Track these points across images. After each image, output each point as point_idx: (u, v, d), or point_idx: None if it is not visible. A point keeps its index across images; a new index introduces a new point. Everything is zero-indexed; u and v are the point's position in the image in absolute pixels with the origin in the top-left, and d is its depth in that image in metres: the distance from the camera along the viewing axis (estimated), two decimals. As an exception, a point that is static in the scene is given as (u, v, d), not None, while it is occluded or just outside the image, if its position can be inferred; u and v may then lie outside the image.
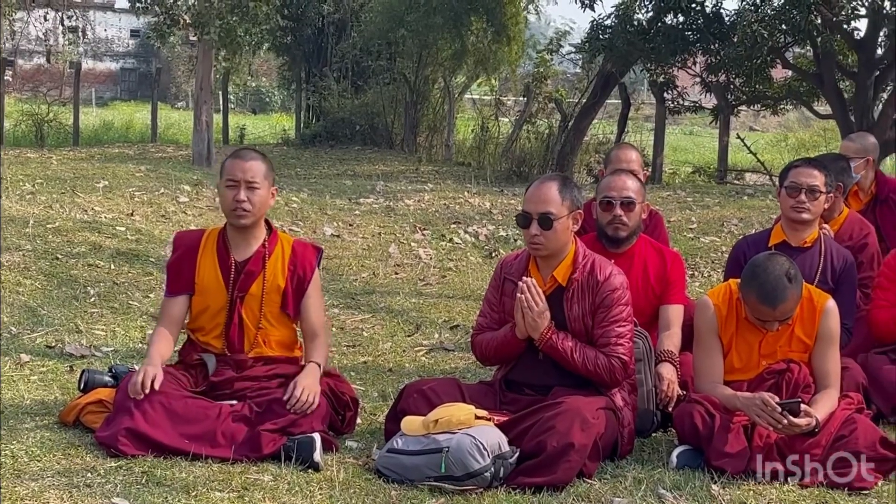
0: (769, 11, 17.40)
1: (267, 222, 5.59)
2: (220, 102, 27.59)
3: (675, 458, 5.15)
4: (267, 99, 44.75)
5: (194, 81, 19.82)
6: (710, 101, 21.27)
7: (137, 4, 18.99)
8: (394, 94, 24.04)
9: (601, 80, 19.96)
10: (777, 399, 5.02)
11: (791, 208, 6.19)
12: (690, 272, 10.01)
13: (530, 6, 23.91)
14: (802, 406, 5.00)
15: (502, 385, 5.43)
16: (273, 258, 5.52)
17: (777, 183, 6.43)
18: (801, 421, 4.96)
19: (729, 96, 20.37)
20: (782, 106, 21.70)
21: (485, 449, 4.78)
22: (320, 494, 4.68)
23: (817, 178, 6.18)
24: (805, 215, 6.16)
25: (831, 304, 5.38)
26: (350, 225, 12.51)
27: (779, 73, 21.32)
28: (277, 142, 25.48)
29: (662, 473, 5.01)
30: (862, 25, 19.20)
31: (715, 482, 4.88)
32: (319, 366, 5.43)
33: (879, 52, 19.48)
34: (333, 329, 7.93)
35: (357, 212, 13.38)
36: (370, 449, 5.27)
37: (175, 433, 5.02)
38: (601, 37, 18.31)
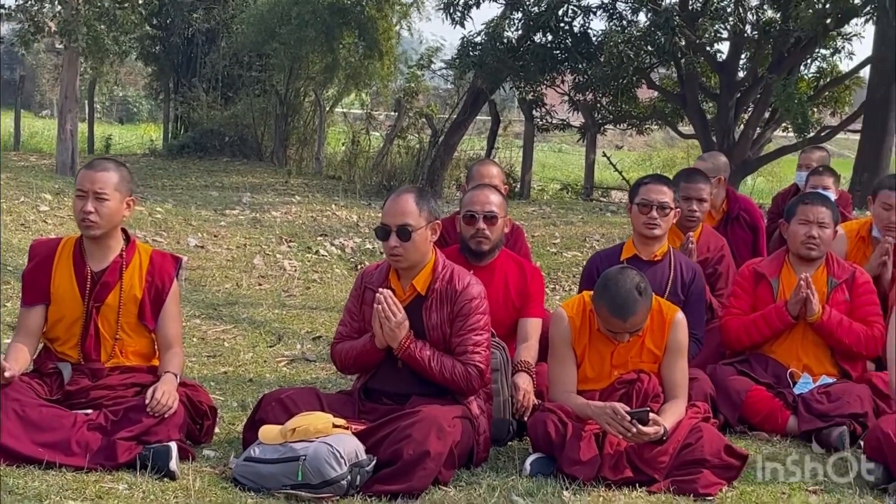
0: (635, 33, 17.77)
1: (125, 232, 5.56)
2: (86, 111, 27.14)
3: (528, 465, 5.25)
4: (135, 109, 44.08)
5: (59, 89, 19.47)
6: (577, 120, 21.58)
7: (0, 10, 18.62)
8: (264, 107, 23.89)
9: (471, 97, 20.14)
10: (627, 408, 5.15)
11: (643, 224, 6.38)
12: (552, 286, 10.19)
13: (402, 22, 24.02)
14: (651, 415, 5.14)
15: (361, 394, 5.47)
16: (130, 269, 5.48)
17: (630, 200, 6.61)
18: (650, 429, 5.10)
19: (596, 115, 20.72)
20: (648, 125, 22.14)
21: (342, 457, 4.83)
22: (175, 503, 4.67)
23: (667, 195, 6.39)
24: (656, 231, 6.36)
25: (680, 316, 5.55)
26: (215, 236, 12.43)
27: (644, 93, 21.72)
28: (144, 152, 25.14)
29: (516, 480, 5.11)
30: (724, 48, 19.72)
31: (566, 489, 4.99)
32: (176, 376, 5.41)
33: (741, 74, 20.00)
34: (194, 340, 7.89)
35: (223, 223, 13.30)
36: (227, 458, 5.27)
37: (29, 441, 4.97)
38: (471, 54, 18.49)
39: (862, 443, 5.60)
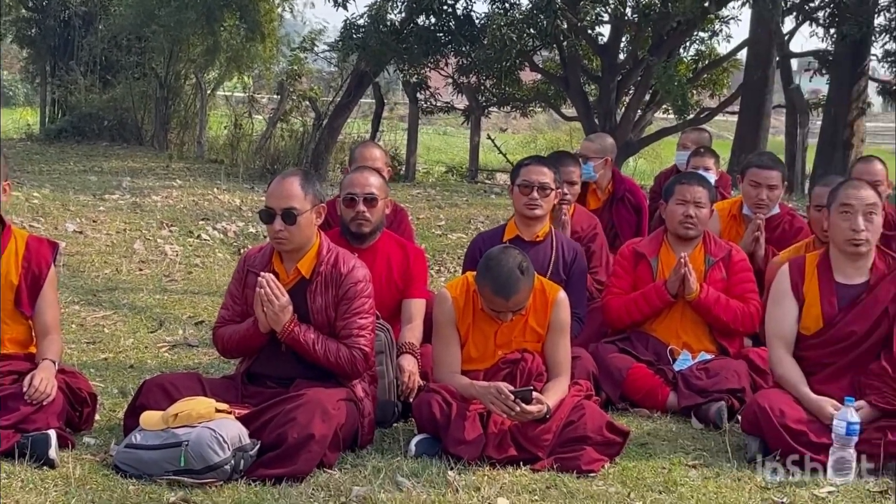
0: (517, 15, 17.85)
1: (0, 218, 5.42)
2: (-40, 95, 26.47)
3: (413, 446, 5.27)
4: (10, 92, 43.09)
5: (-69, 73, 18.96)
6: (461, 102, 21.63)
7: None
8: (144, 90, 23.52)
9: (355, 80, 20.05)
10: (511, 388, 5.19)
11: (524, 205, 6.44)
12: (437, 268, 10.22)
13: (285, 4, 23.84)
14: (534, 394, 5.19)
15: (244, 378, 5.43)
16: (6, 255, 5.35)
17: (511, 182, 6.66)
18: (533, 408, 5.15)
19: (480, 97, 20.77)
20: (531, 108, 22.28)
21: (225, 442, 4.79)
22: (55, 491, 4.59)
23: (547, 176, 6.46)
24: (538, 211, 6.43)
25: (562, 295, 5.60)
26: (94, 221, 12.21)
27: (528, 76, 21.85)
28: (21, 137, 24.58)
29: (401, 462, 5.12)
30: (605, 31, 19.92)
31: (451, 468, 5.02)
32: (54, 363, 5.30)
33: (622, 56, 20.22)
34: (73, 326, 7.75)
35: (102, 208, 13.07)
36: (108, 445, 5.19)
37: None
38: (354, 36, 18.40)
39: (739, 417, 5.71)
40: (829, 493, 4.94)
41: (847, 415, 5.12)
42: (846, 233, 5.47)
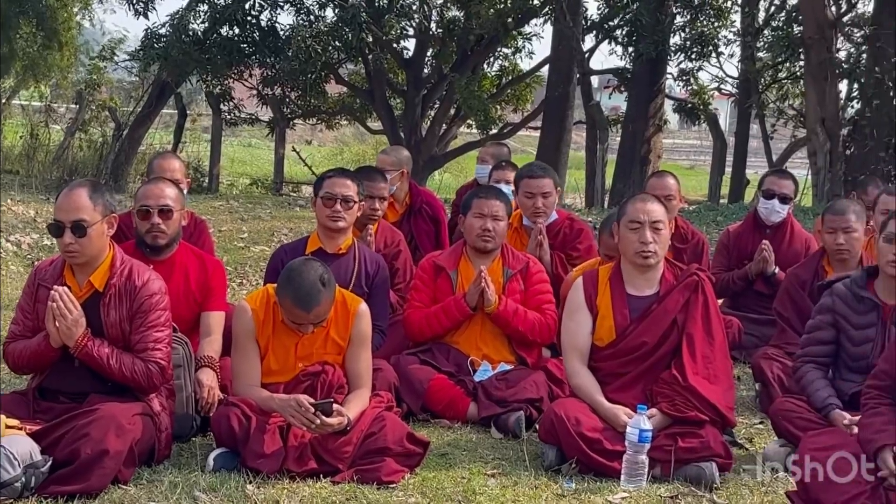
0: (322, 28, 17.87)
1: None
2: None
3: (211, 460, 5.20)
4: None
5: None
6: (266, 114, 21.51)
7: None
8: (-65, 98, 22.74)
9: (156, 90, 19.74)
10: (311, 400, 5.17)
11: (327, 217, 6.43)
12: (239, 281, 10.11)
13: (84, 12, 23.31)
14: (335, 406, 5.18)
15: (36, 394, 5.27)
16: None
17: (314, 194, 6.65)
18: (333, 420, 5.14)
19: (285, 109, 20.70)
20: (337, 120, 22.30)
21: (15, 459, 4.64)
22: None
23: (351, 188, 6.47)
24: (340, 223, 6.43)
25: (363, 307, 5.61)
26: None
27: (334, 88, 21.87)
28: None
29: (198, 476, 5.04)
30: (411, 45, 20.09)
31: (250, 482, 4.97)
32: None
33: (427, 71, 20.42)
34: None
35: None
36: None
37: None
38: (156, 46, 18.16)
39: (537, 426, 5.81)
40: (623, 498, 5.06)
41: (640, 422, 5.26)
42: (635, 245, 5.62)
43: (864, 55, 18.17)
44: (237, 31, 18.97)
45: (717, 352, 5.65)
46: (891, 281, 5.74)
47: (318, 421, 5.11)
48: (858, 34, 18.79)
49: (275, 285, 5.49)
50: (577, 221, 7.75)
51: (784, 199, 7.82)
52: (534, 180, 7.43)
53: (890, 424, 4.98)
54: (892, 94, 17.80)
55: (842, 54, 18.61)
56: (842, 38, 18.81)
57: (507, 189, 7.70)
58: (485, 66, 21.08)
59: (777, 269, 7.62)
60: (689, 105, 22.59)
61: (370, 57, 19.06)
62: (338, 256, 6.45)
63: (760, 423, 6.41)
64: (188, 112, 21.54)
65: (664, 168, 17.08)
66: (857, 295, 5.80)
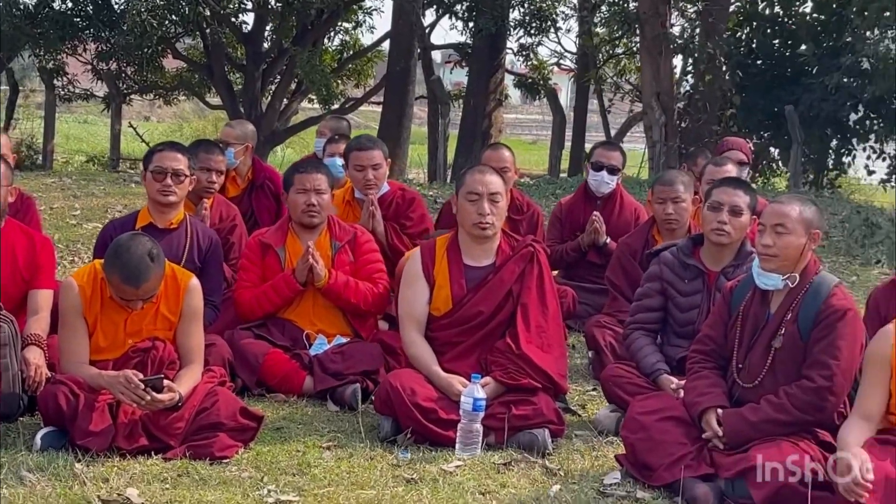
0: (158, 2, 17.54)
1: None
2: None
3: (39, 439, 5.09)
4: None
5: None
6: (102, 90, 21.05)
7: None
8: None
9: (-13, 64, 19.19)
10: (141, 376, 5.09)
11: (157, 192, 6.35)
12: (71, 258, 9.88)
13: None
14: (165, 382, 5.11)
15: None
16: None
17: (144, 167, 6.54)
18: (164, 396, 5.07)
19: (121, 85, 20.29)
20: (175, 96, 21.96)
21: None
22: None
23: (181, 162, 6.39)
24: (171, 198, 6.35)
25: (194, 282, 5.53)
26: None
27: (172, 63, 21.52)
28: None
29: (26, 456, 4.93)
30: (249, 19, 19.87)
31: (79, 461, 4.89)
32: None
33: (266, 45, 20.22)
34: None
35: None
36: None
37: None
38: (-15, 19, 17.61)
39: (373, 398, 5.82)
40: (457, 466, 5.11)
41: (474, 391, 5.31)
42: (473, 217, 5.66)
43: (698, 31, 18.62)
44: (70, 4, 18.53)
45: (550, 321, 5.74)
46: (715, 248, 5.91)
47: (149, 397, 5.03)
48: (692, 10, 19.25)
49: (102, 261, 5.38)
50: (409, 191, 7.76)
51: (612, 171, 7.96)
52: (363, 153, 7.39)
53: (713, 387, 5.14)
54: (724, 68, 18.31)
55: (676, 30, 19.07)
56: (676, 13, 19.24)
57: (340, 162, 7.68)
58: (325, 40, 20.97)
59: (608, 240, 7.75)
60: (530, 80, 22.81)
61: (208, 31, 18.79)
62: (169, 231, 6.35)
63: (593, 389, 6.53)
64: (21, 88, 20.95)
65: (507, 143, 17.20)
66: (683, 262, 5.96)
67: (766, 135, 20.40)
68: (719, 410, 5.01)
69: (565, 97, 29.86)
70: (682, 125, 18.23)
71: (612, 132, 23.51)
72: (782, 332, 5.04)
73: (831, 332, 4.93)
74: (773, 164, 21.08)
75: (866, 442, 4.56)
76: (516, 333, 5.62)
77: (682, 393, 5.32)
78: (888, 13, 17.25)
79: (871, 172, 20.55)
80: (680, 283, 5.94)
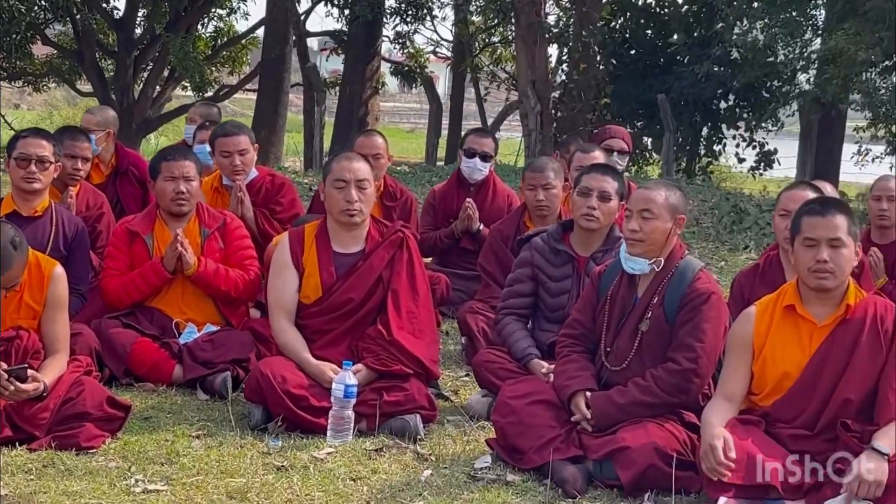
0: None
1: None
2: None
3: None
4: None
5: None
6: (-32, 76, 20.56)
7: None
8: None
9: None
10: (5, 366, 4.98)
11: (21, 179, 6.25)
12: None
13: None
14: (29, 372, 5.00)
15: None
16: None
17: (8, 154, 6.41)
18: (28, 386, 4.96)
19: (-12, 71, 19.84)
20: (45, 83, 21.52)
21: None
22: None
23: (46, 149, 6.34)
24: (36, 185, 6.31)
25: (59, 270, 5.42)
26: None
27: (42, 50, 21.09)
28: None
29: None
30: (121, 5, 19.56)
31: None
32: None
33: (138, 31, 19.92)
34: None
35: None
36: None
37: None
38: None
39: (244, 386, 5.77)
40: (328, 453, 5.10)
41: (345, 378, 5.30)
42: (341, 204, 5.64)
43: (572, 20, 18.81)
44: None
45: (421, 307, 5.76)
46: (584, 234, 5.98)
47: (12, 387, 4.92)
48: (566, -1, 19.46)
49: (-38, 251, 5.24)
50: (279, 176, 7.71)
51: (485, 157, 8.00)
52: (228, 139, 7.31)
53: (582, 371, 5.20)
54: (598, 57, 18.53)
55: (551, 19, 19.24)
56: (551, 2, 19.42)
57: (209, 149, 7.59)
58: (199, 26, 20.73)
59: (482, 226, 7.79)
60: (406, 68, 22.83)
61: (78, 17, 18.44)
62: (33, 219, 6.24)
63: (466, 375, 6.56)
64: None
65: (385, 131, 17.13)
66: (553, 248, 6.02)
67: (639, 123, 20.71)
68: (588, 393, 5.08)
69: (443, 86, 29.96)
70: (558, 114, 18.41)
71: (489, 121, 23.64)
72: (649, 315, 5.13)
73: (696, 316, 5.03)
74: (647, 153, 21.41)
75: (729, 422, 4.67)
76: (387, 320, 5.62)
77: (552, 377, 5.37)
78: (756, 3, 17.65)
79: (741, 160, 21.00)
80: (550, 269, 5.99)
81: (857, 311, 4.71)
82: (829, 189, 6.47)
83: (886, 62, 16.59)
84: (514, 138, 24.53)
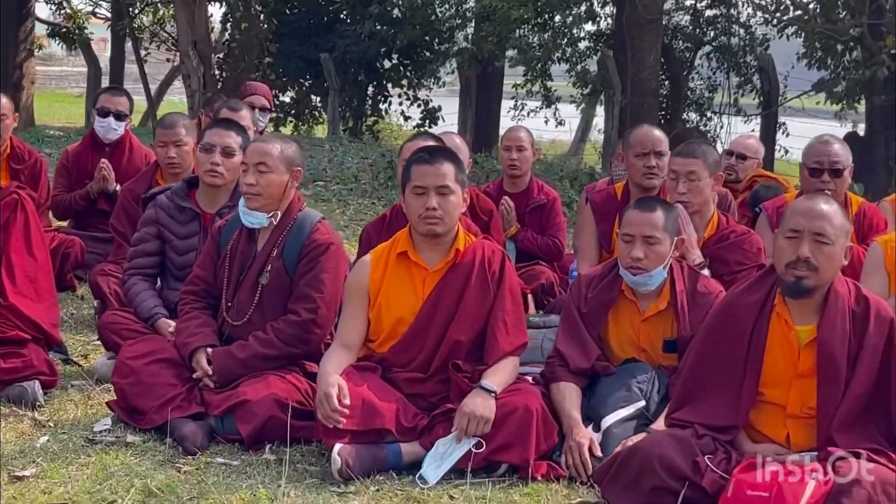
0: None
1: None
2: None
3: None
4: None
5: None
6: None
7: None
8: None
9: None
10: None
11: None
12: None
13: None
14: None
15: None
16: None
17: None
18: None
19: None
20: None
21: None
22: None
23: None
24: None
25: None
26: None
27: None
28: None
29: None
30: None
31: None
32: None
33: None
34: None
35: None
36: None
37: None
38: None
39: None
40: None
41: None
42: None
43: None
44: None
45: (40, 270, 5.57)
46: (210, 190, 5.91)
47: None
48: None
49: None
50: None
51: (119, 116, 7.73)
52: None
53: (203, 327, 5.17)
54: (261, 17, 18.43)
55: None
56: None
57: None
58: None
59: (118, 186, 7.56)
60: (64, 29, 22.00)
61: None
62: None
63: (98, 339, 6.38)
64: None
65: (53, 96, 16.41)
66: (178, 205, 5.93)
67: (307, 83, 20.72)
68: (209, 350, 5.05)
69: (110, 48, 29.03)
70: (223, 74, 18.19)
71: (153, 83, 23.10)
72: (269, 268, 5.14)
73: (314, 266, 5.08)
74: (315, 111, 21.45)
75: (346, 370, 4.73)
76: (2, 284, 5.39)
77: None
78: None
79: (406, 118, 21.35)
80: (176, 226, 5.89)
81: (466, 256, 4.86)
82: (457, 141, 6.63)
83: (538, 20, 17.20)
84: (183, 101, 24.05)
